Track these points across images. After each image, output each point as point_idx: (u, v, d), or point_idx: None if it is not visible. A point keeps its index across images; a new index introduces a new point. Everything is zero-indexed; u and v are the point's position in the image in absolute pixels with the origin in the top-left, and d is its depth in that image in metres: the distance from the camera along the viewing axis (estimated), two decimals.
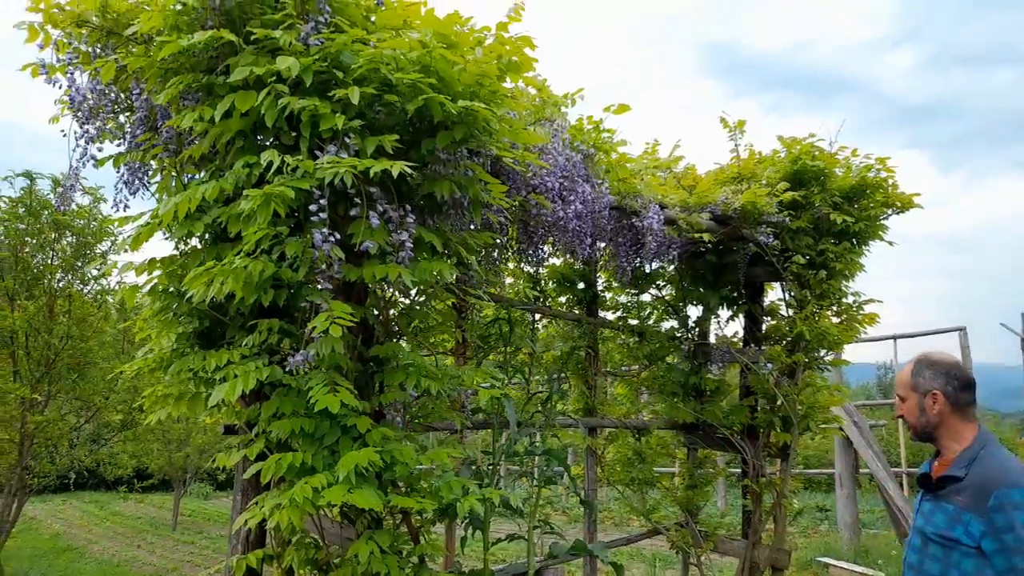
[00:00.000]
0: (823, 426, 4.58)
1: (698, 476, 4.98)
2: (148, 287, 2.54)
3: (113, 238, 6.93)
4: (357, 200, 2.10)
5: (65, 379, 6.60)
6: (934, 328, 12.36)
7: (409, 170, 1.97)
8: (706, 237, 3.88)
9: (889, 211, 4.65)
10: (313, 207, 2.00)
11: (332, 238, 2.01)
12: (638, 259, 3.99)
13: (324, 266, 2.06)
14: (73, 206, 6.12)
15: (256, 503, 2.32)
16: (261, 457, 2.33)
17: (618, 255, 3.83)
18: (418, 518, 2.63)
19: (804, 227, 4.40)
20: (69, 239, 6.63)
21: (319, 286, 2.10)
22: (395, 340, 2.63)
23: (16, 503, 6.46)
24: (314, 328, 2.01)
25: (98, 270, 6.87)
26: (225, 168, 2.29)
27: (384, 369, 2.54)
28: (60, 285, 6.69)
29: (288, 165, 2.01)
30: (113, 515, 17.22)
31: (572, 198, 2.99)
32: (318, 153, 2.07)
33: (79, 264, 6.85)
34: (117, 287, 7.04)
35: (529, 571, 3.14)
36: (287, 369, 2.15)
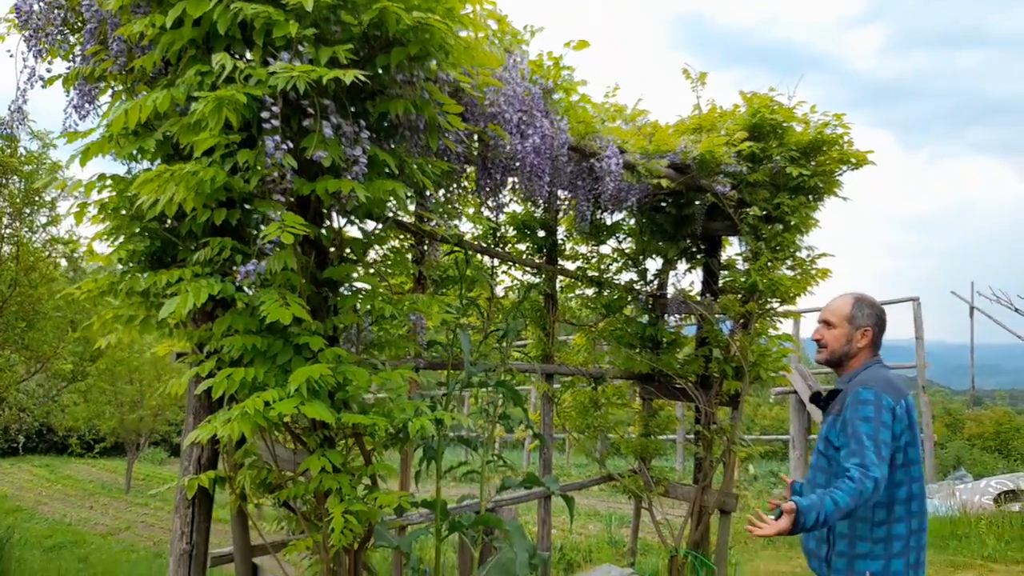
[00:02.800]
0: (773, 374, 4.71)
1: (652, 425, 5.09)
2: (97, 208, 2.49)
3: (60, 186, 6.72)
4: (311, 110, 2.08)
5: (13, 328, 6.43)
6: (888, 297, 12.74)
7: (363, 79, 1.96)
8: (664, 184, 3.92)
9: (844, 167, 4.74)
10: (265, 114, 1.98)
11: (285, 146, 1.99)
12: (597, 204, 4.02)
13: (276, 175, 2.04)
14: (22, 137, 5.90)
15: (208, 420, 2.31)
16: (213, 376, 2.31)
17: (577, 199, 3.85)
18: (370, 440, 2.64)
19: (761, 180, 4.48)
20: (16, 184, 6.41)
21: (272, 198, 2.08)
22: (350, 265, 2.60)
23: None
24: (265, 237, 1.98)
25: (47, 216, 6.68)
26: (177, 81, 2.24)
27: (338, 292, 2.53)
28: (6, 232, 6.49)
29: (240, 72, 1.98)
30: (64, 478, 16.96)
31: (531, 132, 2.99)
32: (271, 61, 2.04)
33: (27, 211, 6.65)
34: (66, 235, 6.86)
35: (481, 503, 3.18)
36: (238, 283, 2.13)
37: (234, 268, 2.42)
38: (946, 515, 8.72)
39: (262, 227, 2.11)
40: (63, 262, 6.99)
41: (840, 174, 4.78)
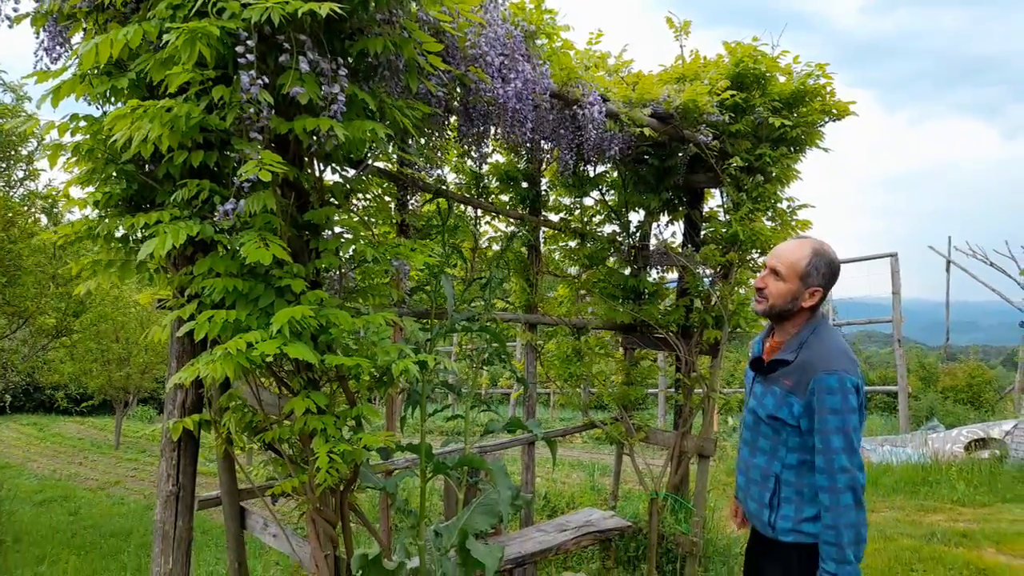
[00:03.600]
0: (752, 323, 4.77)
1: (634, 375, 5.17)
2: (71, 151, 2.46)
3: (39, 139, 6.60)
4: (287, 46, 2.05)
5: None
6: (867, 254, 12.87)
7: (339, 12, 1.93)
8: (647, 133, 3.92)
9: (826, 118, 4.75)
10: (240, 49, 1.95)
11: (260, 81, 1.97)
12: (580, 154, 4.01)
13: (252, 112, 2.02)
14: None
15: (191, 363, 2.32)
16: (194, 319, 2.32)
17: (560, 149, 3.85)
18: (354, 383, 2.68)
19: (744, 131, 4.48)
20: None
21: (249, 136, 2.07)
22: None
23: None
24: (243, 175, 1.98)
25: (24, 171, 6.56)
26: (148, 15, 2.20)
27: (319, 236, 2.54)
28: None
29: (214, 5, 1.95)
30: (53, 436, 16.99)
31: (512, 76, 2.97)
32: None
33: (2, 166, 6.53)
34: (45, 191, 6.76)
35: (466, 447, 3.24)
36: (217, 221, 2.13)
37: (213, 213, 2.43)
38: (918, 463, 8.97)
39: (240, 169, 2.10)
40: (43, 218, 6.90)
41: (822, 125, 4.79)
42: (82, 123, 2.32)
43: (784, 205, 4.84)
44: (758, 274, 2.52)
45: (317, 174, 2.64)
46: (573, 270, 5.28)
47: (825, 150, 4.89)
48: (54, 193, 6.72)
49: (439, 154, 3.53)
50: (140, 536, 7.10)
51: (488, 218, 4.59)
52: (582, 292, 5.23)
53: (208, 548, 6.45)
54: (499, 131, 3.49)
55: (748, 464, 2.51)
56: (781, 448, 2.38)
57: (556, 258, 5.20)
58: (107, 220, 2.42)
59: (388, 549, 3.43)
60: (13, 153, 6.49)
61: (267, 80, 2.02)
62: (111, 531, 7.41)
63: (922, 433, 10.41)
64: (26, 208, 6.48)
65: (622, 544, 4.77)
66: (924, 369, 17.71)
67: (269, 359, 2.14)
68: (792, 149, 4.73)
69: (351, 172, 2.85)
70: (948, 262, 11.51)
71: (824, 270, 2.35)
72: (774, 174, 4.67)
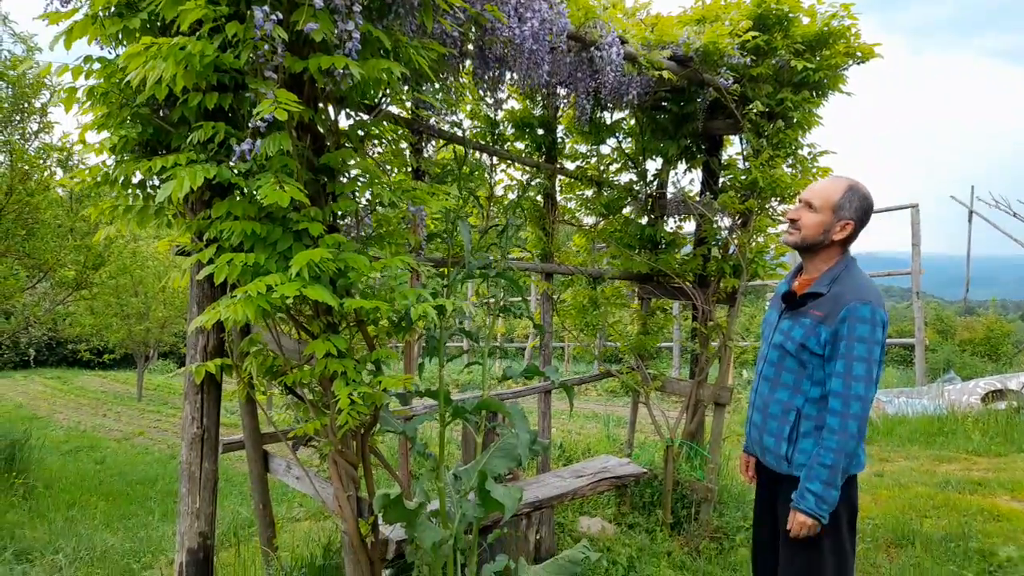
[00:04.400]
0: (771, 272, 4.74)
1: (650, 324, 5.17)
2: (85, 95, 2.45)
3: (52, 91, 6.59)
4: None
5: (13, 236, 6.43)
6: (887, 205, 12.67)
7: None
8: (666, 76, 3.84)
9: (850, 61, 4.63)
10: None
11: (274, 17, 1.94)
12: (597, 100, 3.94)
13: (267, 49, 1.99)
14: (4, 39, 5.75)
15: (212, 307, 2.34)
16: (213, 263, 2.33)
17: (576, 94, 3.78)
18: (373, 328, 2.69)
19: (765, 74, 4.38)
20: (5, 89, 6.27)
21: (264, 75, 2.04)
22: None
23: None
24: (259, 114, 1.96)
25: (38, 123, 6.56)
26: None
27: (336, 180, 2.52)
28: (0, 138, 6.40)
29: None
30: (76, 389, 17.36)
31: (529, 15, 2.90)
32: None
33: (17, 118, 6.53)
34: (60, 143, 6.76)
35: (484, 391, 3.26)
36: (233, 162, 2.12)
37: (229, 156, 2.41)
38: (934, 414, 8.97)
39: (256, 108, 2.07)
40: (59, 171, 6.91)
41: (846, 69, 4.66)
42: (96, 65, 2.30)
43: (805, 151, 4.75)
44: (791, 206, 2.53)
45: (332, 118, 2.62)
46: (589, 219, 5.24)
47: (848, 94, 4.77)
48: (68, 143, 6.73)
49: (454, 97, 3.48)
50: (165, 483, 7.29)
51: (503, 166, 4.55)
52: (598, 242, 5.20)
53: (232, 495, 6.62)
54: (515, 75, 3.43)
55: (768, 399, 2.52)
56: (805, 382, 2.42)
57: (572, 207, 5.15)
58: (123, 165, 2.41)
59: (408, 492, 3.50)
60: (27, 105, 6.47)
61: (280, 16, 1.98)
62: (137, 478, 7.61)
63: (938, 385, 10.38)
64: (41, 161, 6.50)
65: (637, 490, 4.83)
66: (942, 322, 17.58)
67: (289, 301, 2.14)
68: (814, 94, 4.62)
69: (366, 117, 2.83)
70: (970, 212, 11.31)
71: (857, 204, 2.40)
72: (795, 119, 4.58)
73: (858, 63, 4.67)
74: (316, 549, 3.51)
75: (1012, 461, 6.92)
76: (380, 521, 2.85)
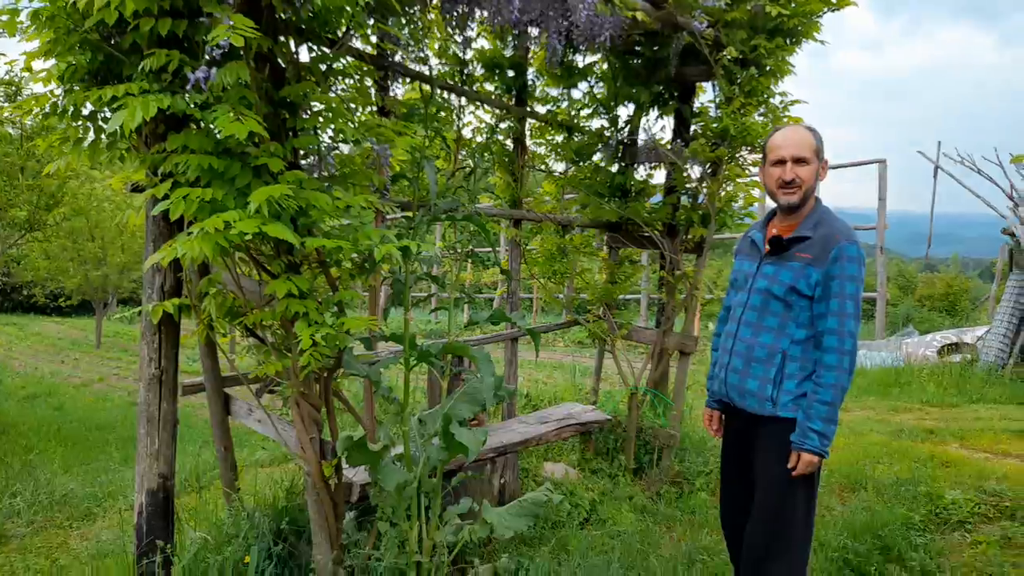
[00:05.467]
0: (738, 222, 4.75)
1: (617, 273, 5.17)
2: (30, 19, 2.30)
3: None
4: None
5: None
6: (856, 160, 12.78)
7: None
8: (640, 17, 3.75)
9: (825, 8, 4.57)
10: None
11: None
12: (569, 40, 3.84)
13: None
14: None
15: (168, 244, 2.26)
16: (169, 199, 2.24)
17: (548, 33, 3.67)
18: (336, 269, 2.64)
19: (740, 19, 4.30)
20: None
21: None
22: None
23: None
24: (214, 39, 1.86)
25: None
26: None
27: (297, 114, 2.42)
28: None
29: None
30: (33, 335, 16.99)
31: None
32: None
33: None
34: (7, 76, 6.43)
35: (449, 336, 3.24)
36: (188, 89, 2.02)
37: (184, 88, 2.30)
38: (891, 366, 9.24)
39: (211, 34, 1.97)
40: (6, 106, 6.59)
41: (820, 16, 4.61)
42: None
43: (777, 100, 4.72)
44: (776, 171, 2.52)
45: (293, 50, 2.50)
46: (559, 166, 5.18)
47: (822, 42, 4.73)
48: (15, 76, 6.41)
49: (422, 33, 3.36)
50: (125, 429, 7.21)
51: (472, 108, 4.44)
52: (568, 190, 5.15)
53: (193, 441, 6.58)
54: (485, 12, 3.32)
55: (752, 343, 2.55)
56: (791, 324, 2.47)
57: (542, 153, 5.08)
58: (73, 94, 2.29)
59: (373, 436, 3.49)
60: None
61: None
62: (96, 424, 7.51)
63: (897, 338, 10.67)
64: None
65: (601, 437, 4.90)
66: (903, 278, 18.02)
67: (248, 239, 2.07)
68: (788, 41, 4.57)
69: (328, 51, 2.71)
70: (936, 168, 11.45)
71: (823, 141, 2.53)
72: (768, 67, 4.53)
73: (833, 10, 4.62)
74: (279, 492, 3.50)
75: (963, 411, 7.18)
76: (344, 464, 2.85)
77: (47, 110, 2.41)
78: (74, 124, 2.44)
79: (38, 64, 2.40)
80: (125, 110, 2.04)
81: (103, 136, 2.45)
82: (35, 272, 13.49)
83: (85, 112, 2.42)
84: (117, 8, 2.08)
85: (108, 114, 2.40)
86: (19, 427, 6.87)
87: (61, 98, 2.38)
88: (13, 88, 6.33)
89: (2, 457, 5.60)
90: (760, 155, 2.79)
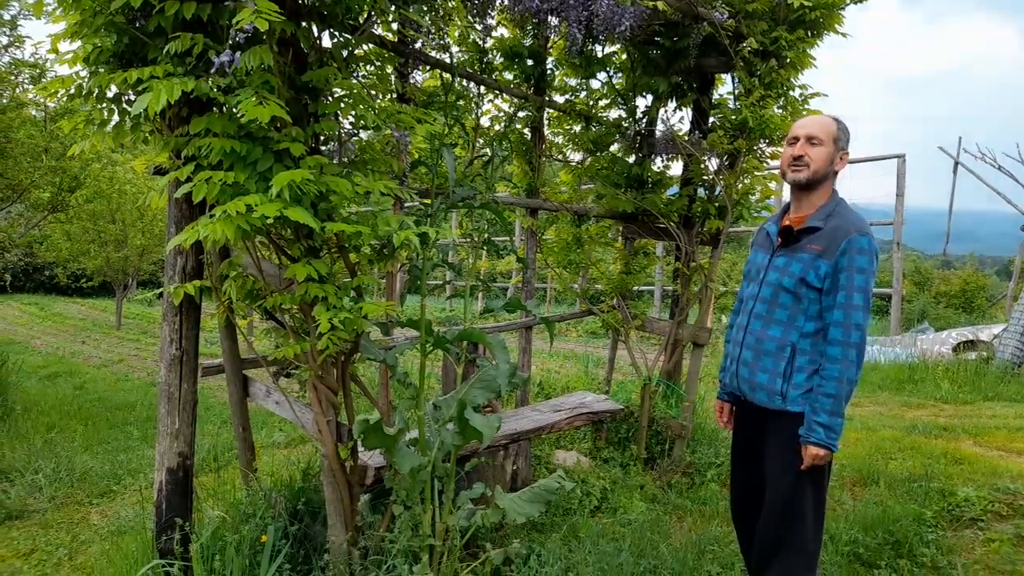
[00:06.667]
0: (755, 214, 4.74)
1: (632, 264, 5.17)
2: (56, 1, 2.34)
3: (19, 2, 6.31)
4: None
5: None
6: (875, 154, 12.66)
7: None
8: (660, 6, 3.74)
9: (848, 0, 4.54)
10: None
11: None
12: (589, 30, 3.84)
13: None
14: None
15: (191, 226, 2.30)
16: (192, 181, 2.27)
17: (568, 22, 3.67)
18: (355, 254, 2.66)
19: (761, 10, 4.28)
20: None
21: None
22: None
23: None
24: (239, 23, 1.88)
25: (7, 36, 6.29)
26: None
27: (318, 99, 2.45)
28: None
29: None
30: (54, 315, 17.22)
31: None
32: None
33: None
34: (32, 58, 6.50)
35: (465, 323, 3.27)
36: (212, 73, 2.04)
37: (208, 71, 2.32)
38: (906, 362, 9.17)
39: (236, 17, 1.99)
40: (31, 88, 6.67)
41: (843, 8, 4.57)
42: None
43: (796, 93, 4.70)
44: (781, 148, 2.54)
45: (315, 35, 2.53)
46: (576, 156, 5.18)
47: (844, 35, 4.69)
48: (40, 59, 6.48)
49: (442, 17, 3.37)
50: (144, 409, 7.30)
51: (491, 96, 4.45)
52: (585, 180, 5.15)
53: (212, 422, 6.66)
54: (505, 1, 3.32)
55: (761, 336, 2.54)
56: (800, 317, 2.46)
57: (559, 142, 5.08)
58: (98, 76, 2.32)
59: (388, 420, 3.53)
60: None
61: None
62: (116, 404, 7.61)
63: (912, 335, 10.58)
64: (13, 77, 6.26)
65: (613, 426, 4.92)
66: (919, 274, 17.82)
67: (269, 222, 2.10)
68: (809, 33, 4.54)
69: (350, 37, 2.73)
70: (956, 163, 11.32)
71: (847, 134, 2.51)
72: (789, 59, 4.50)
73: (856, 2, 4.58)
74: (295, 473, 3.56)
75: (978, 408, 7.13)
76: (360, 447, 2.89)
77: (72, 92, 2.44)
78: (99, 106, 2.47)
79: (64, 46, 2.44)
80: (150, 93, 2.07)
81: (127, 118, 2.48)
82: (57, 253, 13.66)
83: (110, 94, 2.46)
84: None
85: (132, 96, 2.44)
86: (40, 405, 6.98)
87: (86, 80, 2.42)
88: (37, 71, 6.41)
89: (24, 434, 5.70)
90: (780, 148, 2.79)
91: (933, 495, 4.18)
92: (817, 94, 4.71)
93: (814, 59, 4.68)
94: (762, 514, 2.59)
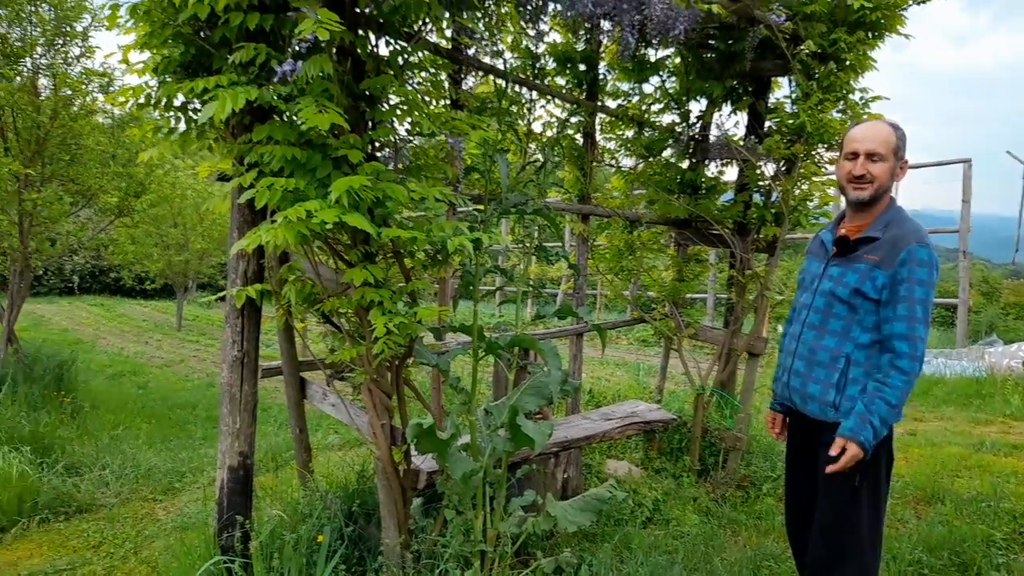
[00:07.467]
0: (813, 221, 4.63)
1: (686, 271, 5.11)
2: (128, 13, 2.43)
3: (93, 15, 6.59)
4: None
5: (58, 161, 6.54)
6: (939, 159, 12.24)
7: None
8: (715, 10, 3.69)
9: (910, 1, 4.40)
10: None
11: None
12: (642, 34, 3.81)
13: None
14: None
15: (253, 231, 2.35)
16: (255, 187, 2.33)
17: (621, 26, 3.65)
18: (409, 260, 2.69)
19: (819, 12, 4.18)
20: (46, 10, 6.28)
21: None
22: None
23: (22, 284, 6.63)
24: (301, 33, 1.92)
25: (80, 47, 6.58)
26: None
27: (375, 106, 2.49)
28: (42, 63, 6.44)
29: None
30: (119, 316, 17.89)
31: None
32: None
33: (60, 42, 6.56)
34: (101, 68, 6.78)
35: (517, 328, 3.27)
36: (275, 81, 2.09)
37: (270, 80, 2.39)
38: (973, 376, 8.81)
39: (298, 27, 2.04)
40: (100, 97, 6.96)
41: (905, 8, 4.43)
42: None
43: (856, 96, 4.57)
44: (848, 165, 2.44)
45: (372, 43, 2.57)
46: (628, 161, 5.14)
47: (906, 36, 4.55)
48: (108, 68, 6.76)
49: (496, 24, 3.39)
50: (204, 409, 7.53)
51: (543, 102, 4.45)
52: (636, 185, 5.11)
53: (267, 423, 6.82)
54: (558, 5, 3.32)
55: (814, 347, 2.48)
56: (855, 328, 2.38)
57: (611, 148, 5.05)
58: (166, 86, 2.41)
59: (440, 425, 3.55)
60: (68, 29, 6.49)
61: None
62: (177, 403, 7.87)
63: (979, 347, 10.17)
64: (83, 85, 6.55)
65: (666, 436, 4.86)
66: (987, 284, 17.10)
67: (328, 228, 2.14)
68: (870, 35, 4.41)
69: (405, 45, 2.77)
70: None
71: (905, 142, 2.41)
72: (848, 62, 4.38)
73: (919, 2, 4.44)
74: (350, 475, 3.61)
75: None
76: (412, 451, 2.91)
77: (141, 101, 2.54)
78: (166, 114, 2.57)
79: (134, 56, 2.55)
80: (216, 102, 2.13)
81: (193, 126, 2.57)
82: (123, 256, 14.22)
83: (176, 103, 2.55)
84: (209, 3, 2.18)
85: (198, 105, 2.52)
86: (107, 403, 7.26)
87: (155, 89, 2.51)
88: (106, 79, 6.69)
89: (92, 431, 5.93)
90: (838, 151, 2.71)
91: (1003, 516, 4.00)
92: (878, 97, 4.57)
93: (875, 61, 4.55)
94: (814, 528, 2.52)
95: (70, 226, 7.22)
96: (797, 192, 4.50)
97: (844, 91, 4.49)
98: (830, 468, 2.33)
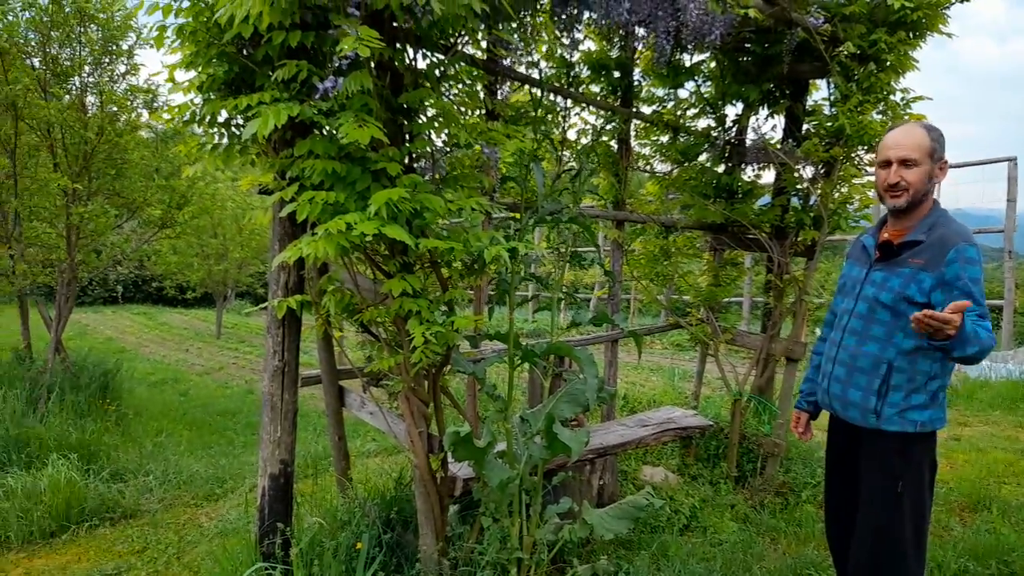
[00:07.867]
0: (853, 224, 4.55)
1: (722, 276, 5.06)
2: (175, 33, 2.50)
3: (138, 33, 6.78)
4: None
5: (104, 175, 6.74)
6: (983, 158, 11.95)
7: None
8: (752, 14, 3.67)
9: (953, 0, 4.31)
10: None
11: None
12: (677, 40, 3.80)
13: None
14: None
15: (294, 244, 2.40)
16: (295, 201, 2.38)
17: (656, 33, 3.64)
18: (447, 269, 2.72)
19: (858, 13, 4.13)
20: (94, 30, 6.49)
21: (347, 12, 2.04)
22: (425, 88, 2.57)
23: (69, 294, 6.82)
24: (342, 50, 1.96)
25: (125, 65, 6.78)
26: None
27: (413, 119, 2.52)
28: (89, 80, 6.65)
29: None
30: (160, 325, 18.29)
31: None
32: None
33: (107, 60, 6.76)
34: (146, 84, 6.97)
35: (552, 335, 3.28)
36: (316, 98, 2.14)
37: (311, 96, 2.44)
38: (1020, 379, 8.57)
39: (339, 45, 2.08)
40: (144, 113, 7.16)
41: (947, 7, 4.35)
42: (184, 3, 2.35)
43: (898, 97, 4.49)
44: (883, 173, 2.41)
45: (411, 57, 2.61)
46: (663, 167, 5.12)
47: (948, 36, 4.46)
48: (153, 84, 6.95)
49: (531, 34, 3.41)
50: (245, 416, 7.67)
51: (577, 109, 4.46)
52: (671, 191, 5.09)
53: (306, 430, 6.91)
54: (594, 13, 3.33)
55: (856, 353, 2.44)
56: (898, 334, 2.35)
57: (646, 153, 5.04)
58: (210, 103, 2.47)
59: (476, 432, 3.57)
60: (114, 47, 6.69)
61: None
62: (218, 411, 8.02)
63: None
64: (129, 102, 6.74)
65: (702, 443, 4.81)
66: None
67: (368, 239, 2.18)
68: (911, 35, 4.33)
69: (442, 58, 2.80)
70: None
71: (942, 142, 2.38)
72: (888, 63, 4.31)
73: (961, 0, 4.34)
74: (388, 482, 3.64)
75: None
76: (449, 458, 2.93)
77: (186, 117, 2.62)
78: (211, 131, 2.64)
79: (180, 75, 2.62)
80: (259, 118, 2.18)
81: (236, 142, 2.63)
82: (165, 266, 14.60)
83: (220, 119, 2.62)
84: (254, 23, 2.23)
85: (241, 121, 2.59)
86: (150, 410, 7.44)
87: (199, 107, 2.58)
88: (150, 96, 6.88)
89: (135, 438, 6.08)
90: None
91: None
92: (920, 98, 4.49)
93: (916, 61, 4.46)
94: (856, 536, 2.48)
95: (115, 238, 7.43)
96: (836, 195, 4.44)
97: (885, 92, 4.41)
98: (951, 309, 2.01)
